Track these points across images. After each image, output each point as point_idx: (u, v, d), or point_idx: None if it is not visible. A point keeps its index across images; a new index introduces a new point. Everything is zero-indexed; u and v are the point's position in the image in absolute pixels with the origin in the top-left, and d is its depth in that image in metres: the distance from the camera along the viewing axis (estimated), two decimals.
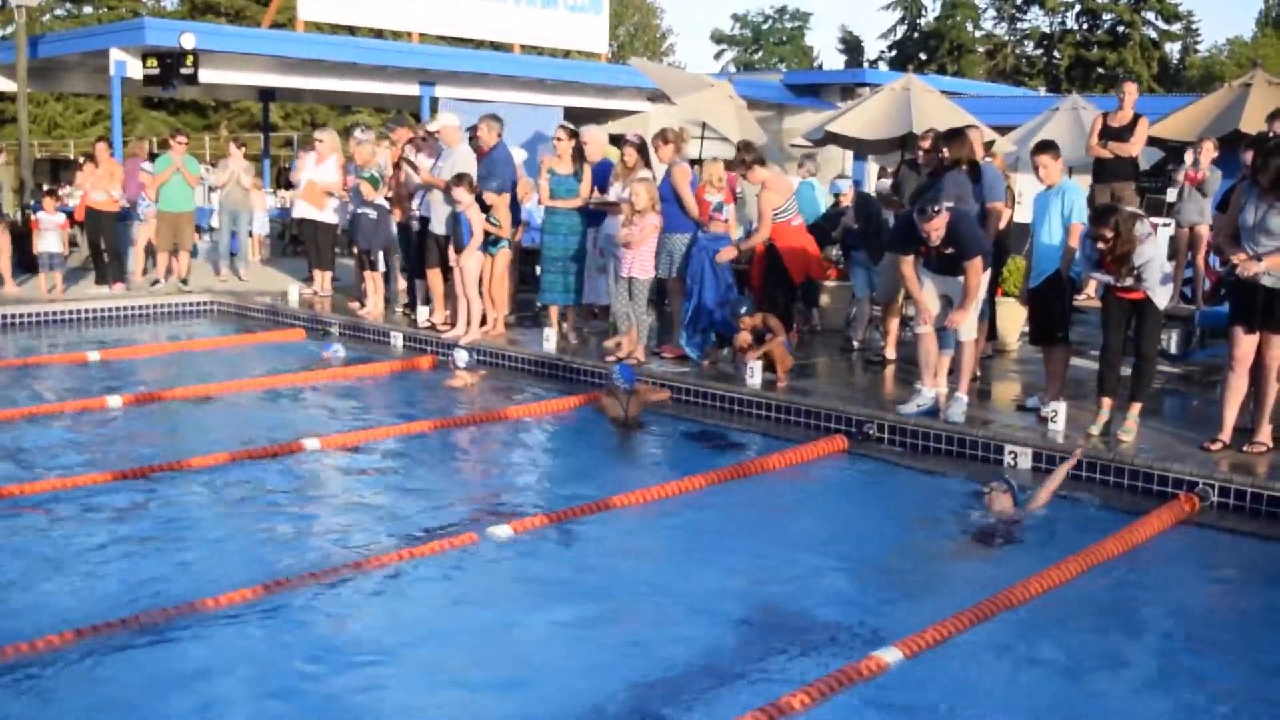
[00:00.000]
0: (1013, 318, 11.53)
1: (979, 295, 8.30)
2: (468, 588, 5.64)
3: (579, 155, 11.18)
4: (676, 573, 5.91)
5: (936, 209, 8.05)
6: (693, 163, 11.40)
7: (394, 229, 12.53)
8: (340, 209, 13.77)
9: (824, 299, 12.58)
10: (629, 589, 5.68)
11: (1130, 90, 11.34)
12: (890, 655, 4.84)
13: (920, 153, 10.16)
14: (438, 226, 11.77)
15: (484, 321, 11.62)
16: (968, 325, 8.35)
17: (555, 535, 6.40)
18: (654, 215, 10.00)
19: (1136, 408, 7.94)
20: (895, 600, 5.59)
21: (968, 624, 5.16)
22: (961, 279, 8.25)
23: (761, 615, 5.39)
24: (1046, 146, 8.37)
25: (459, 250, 11.22)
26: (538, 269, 11.77)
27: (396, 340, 11.99)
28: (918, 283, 8.38)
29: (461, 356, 10.58)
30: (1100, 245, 7.55)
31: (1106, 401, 8.00)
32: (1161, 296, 7.71)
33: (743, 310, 9.48)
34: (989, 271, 8.50)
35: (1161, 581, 6.06)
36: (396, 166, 12.56)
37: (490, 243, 11.24)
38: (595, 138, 11.35)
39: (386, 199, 12.75)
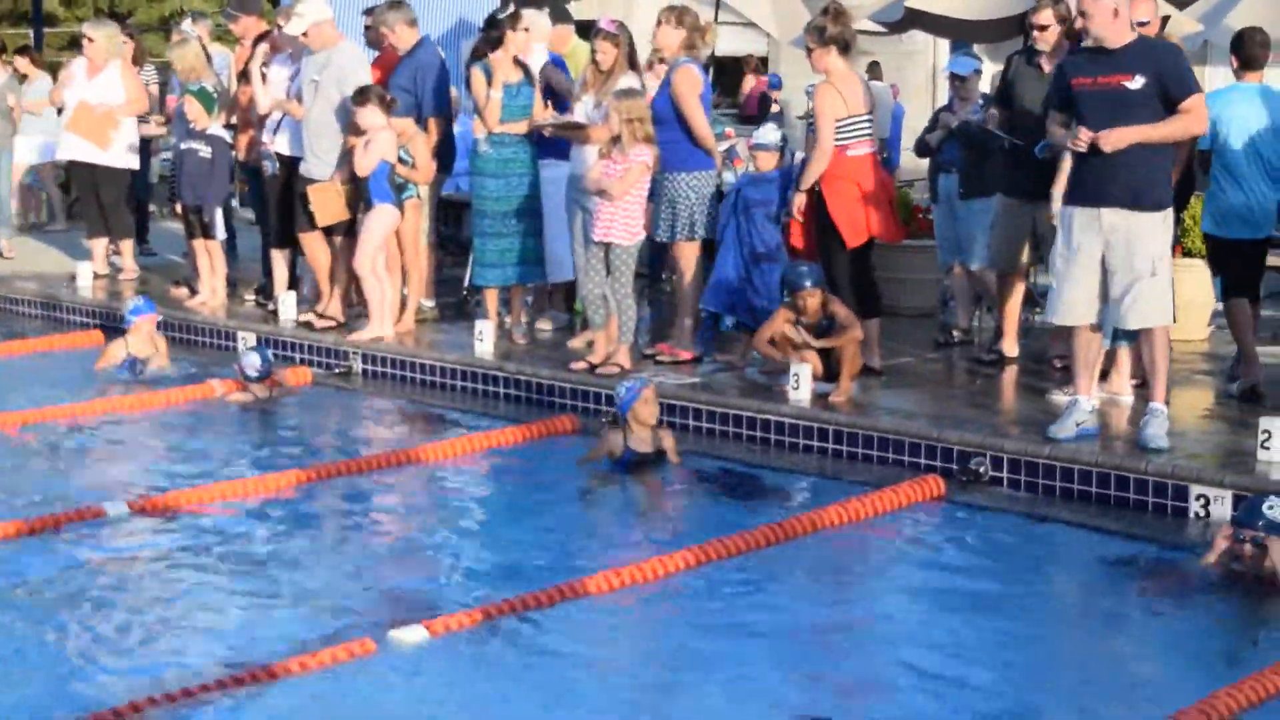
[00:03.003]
0: (1199, 290, 11.56)
1: (1164, 134, 8.30)
2: None
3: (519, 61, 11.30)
4: (684, 695, 5.88)
5: None
6: (706, 66, 11.41)
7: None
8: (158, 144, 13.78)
9: (906, 265, 12.64)
10: None
11: None
12: None
13: (1036, 32, 10.12)
14: (316, 168, 11.80)
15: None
16: (1158, 304, 8.41)
17: (493, 639, 6.39)
18: (643, 147, 10.00)
19: None
20: None
21: None
22: (1127, 217, 8.27)
23: None
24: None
25: (368, 207, 11.32)
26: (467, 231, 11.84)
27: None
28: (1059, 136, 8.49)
29: (252, 360, 10.58)
30: None
31: None
32: None
33: (807, 283, 9.48)
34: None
35: None
36: (243, 76, 12.56)
37: (396, 188, 11.35)
38: (538, 24, 11.40)
39: (229, 127, 12.78)
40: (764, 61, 26.32)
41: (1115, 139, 8.15)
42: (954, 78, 11.63)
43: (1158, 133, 8.28)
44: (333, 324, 11.87)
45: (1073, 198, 8.52)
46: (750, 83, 24.80)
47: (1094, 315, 8.52)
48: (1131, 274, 8.33)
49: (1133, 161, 8.24)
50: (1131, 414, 9.03)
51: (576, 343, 11.05)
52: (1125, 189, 8.28)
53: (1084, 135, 8.20)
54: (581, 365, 10.30)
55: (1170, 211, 8.56)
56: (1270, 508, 6.99)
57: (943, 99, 12.13)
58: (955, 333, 11.49)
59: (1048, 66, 9.87)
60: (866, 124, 10.15)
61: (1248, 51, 9.71)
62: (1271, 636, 6.52)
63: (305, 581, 7.19)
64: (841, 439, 9.05)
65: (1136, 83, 8.21)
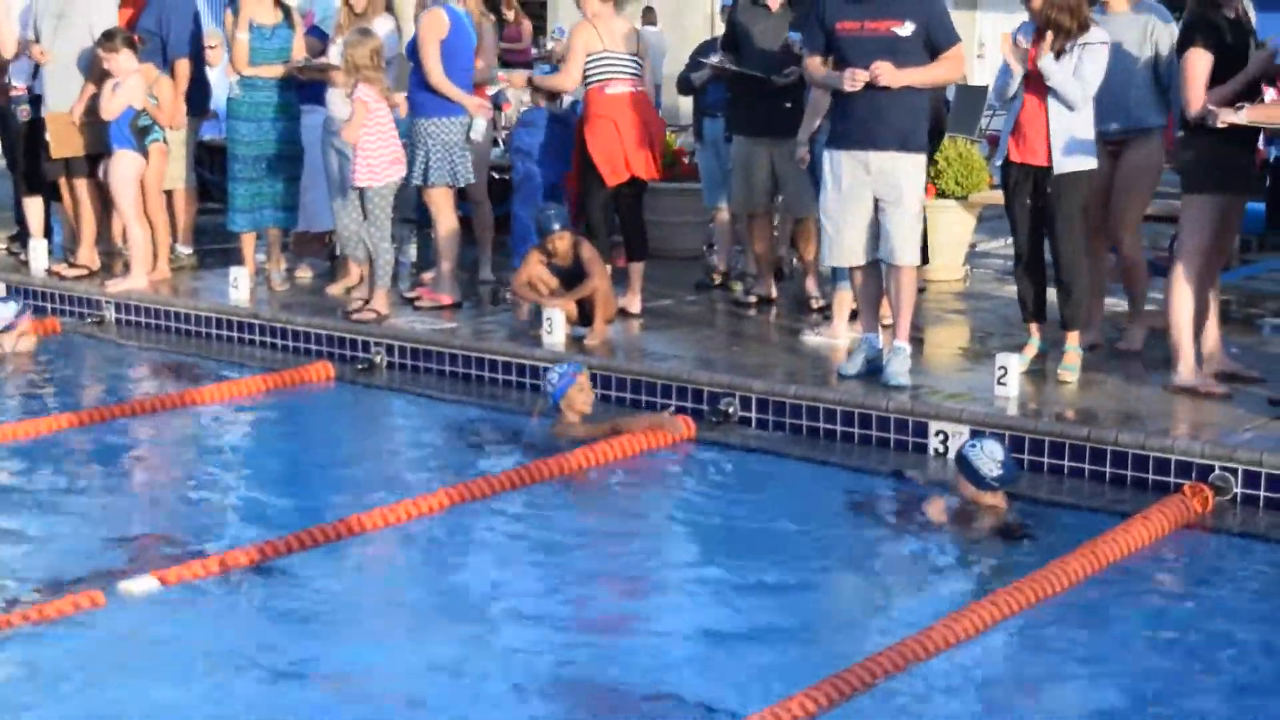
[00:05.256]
0: (953, 231, 11.85)
1: (933, 78, 8.61)
2: (72, 677, 5.53)
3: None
4: (424, 643, 5.89)
5: None
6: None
7: None
8: None
9: (673, 207, 12.73)
10: (344, 677, 5.64)
11: None
12: None
13: None
14: (58, 106, 11.55)
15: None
16: (908, 246, 8.58)
17: (228, 589, 6.33)
18: (364, 87, 9.89)
19: (1072, 337, 8.63)
20: (759, 664, 5.68)
21: (844, 694, 5.27)
22: (895, 159, 8.46)
23: (567, 693, 5.45)
24: None
25: (108, 152, 11.13)
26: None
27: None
28: (829, 75, 8.61)
29: (4, 314, 10.33)
30: (1034, 4, 8.23)
31: (1033, 328, 8.77)
32: (1074, 163, 8.35)
33: (555, 226, 9.50)
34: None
35: (1154, 620, 6.27)
36: None
37: (140, 132, 11.17)
38: None
39: None
40: (543, 6, 26.27)
41: (892, 75, 8.27)
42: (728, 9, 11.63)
43: (928, 76, 8.50)
44: (85, 272, 11.67)
45: (838, 141, 8.61)
46: None
47: (871, 254, 8.67)
48: (899, 212, 8.51)
49: (901, 105, 8.41)
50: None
51: (334, 289, 10.99)
52: (894, 132, 8.43)
53: (859, 75, 8.30)
54: (366, 316, 10.22)
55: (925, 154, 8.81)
56: (972, 446, 7.24)
57: None
58: (716, 275, 11.58)
59: (774, 5, 10.06)
60: (627, 63, 10.21)
61: None
62: (991, 565, 6.74)
63: (42, 532, 7.07)
64: (594, 382, 9.06)
65: (907, 29, 8.36)
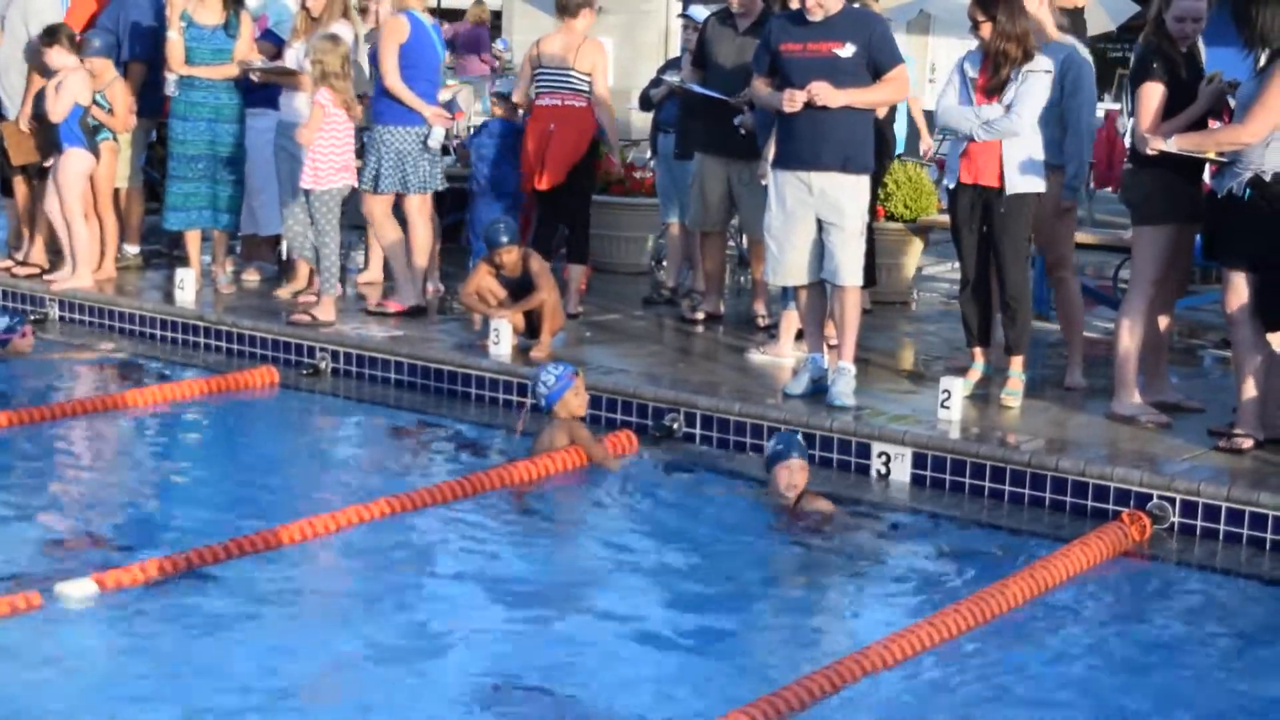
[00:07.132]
0: (904, 253, 11.91)
1: (873, 98, 8.67)
2: (8, 678, 5.48)
3: None
4: (363, 647, 5.88)
5: None
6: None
7: None
8: None
9: (621, 222, 12.75)
10: (281, 685, 5.60)
11: None
12: None
13: None
14: (8, 107, 11.55)
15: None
16: (858, 264, 8.64)
17: (167, 593, 6.29)
18: (323, 90, 9.89)
19: (1016, 362, 8.67)
20: (689, 683, 5.70)
21: (780, 713, 5.26)
22: (838, 180, 8.55)
23: (498, 704, 5.43)
24: None
25: (58, 151, 11.03)
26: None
27: None
28: (771, 95, 8.68)
29: None
30: (983, 33, 8.27)
31: (978, 353, 8.83)
32: (1025, 184, 8.42)
33: (504, 239, 9.50)
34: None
35: (1089, 645, 6.32)
36: None
37: (89, 131, 11.08)
38: None
39: None
40: (499, 16, 26.20)
41: (830, 95, 8.32)
42: (689, 23, 11.63)
43: (868, 96, 8.56)
44: (36, 271, 11.60)
45: (782, 161, 8.67)
46: None
47: (815, 274, 8.73)
48: (842, 233, 8.57)
49: (843, 125, 8.47)
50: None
51: (282, 293, 10.97)
52: (836, 153, 8.50)
53: (798, 95, 8.36)
54: (301, 319, 10.20)
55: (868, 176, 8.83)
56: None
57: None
58: (664, 290, 11.60)
59: (742, 26, 10.11)
60: (556, 76, 10.57)
61: None
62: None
63: None
64: None
65: (848, 51, 8.42)
